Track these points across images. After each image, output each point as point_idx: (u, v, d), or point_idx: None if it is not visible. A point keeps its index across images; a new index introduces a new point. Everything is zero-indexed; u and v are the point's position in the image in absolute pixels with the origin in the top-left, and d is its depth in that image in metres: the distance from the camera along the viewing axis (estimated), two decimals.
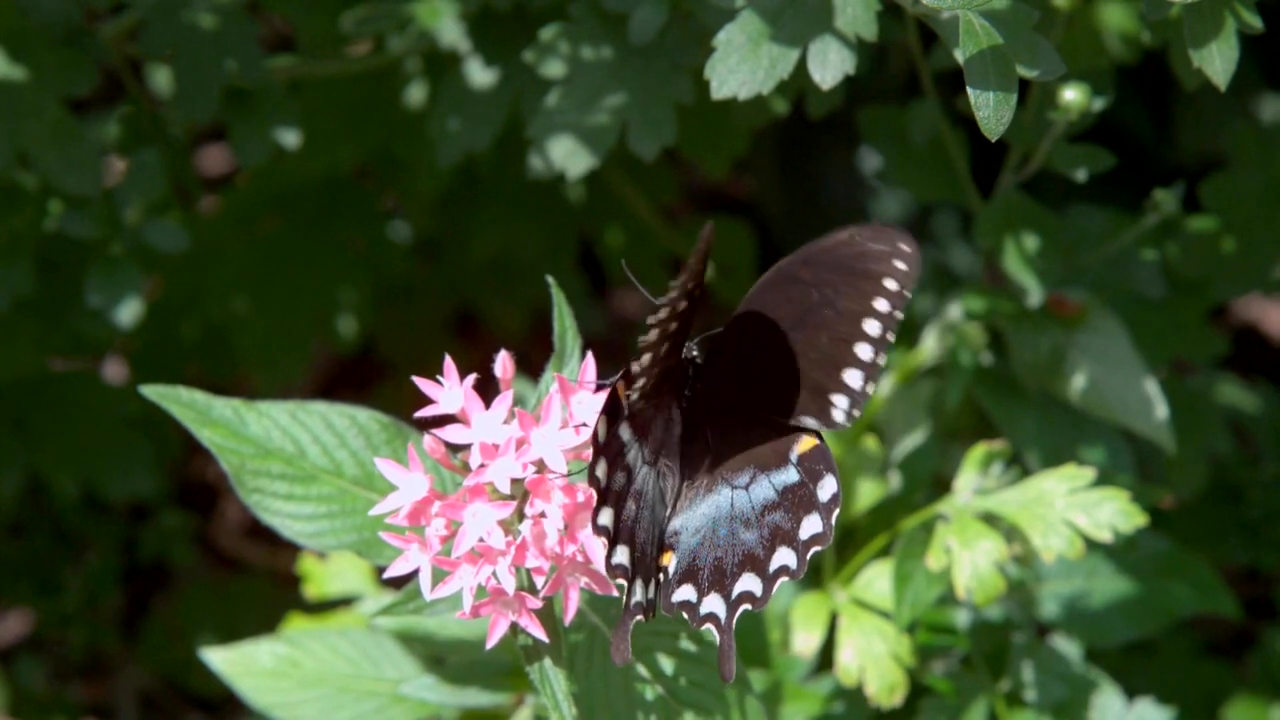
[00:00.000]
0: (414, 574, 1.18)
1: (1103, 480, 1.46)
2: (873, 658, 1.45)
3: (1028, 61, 1.25)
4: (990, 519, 1.44)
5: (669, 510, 1.18)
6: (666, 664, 1.28)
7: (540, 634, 1.17)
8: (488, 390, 1.18)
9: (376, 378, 2.30)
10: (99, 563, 2.10)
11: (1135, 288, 1.65)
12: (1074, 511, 1.41)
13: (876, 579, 1.50)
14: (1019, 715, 1.54)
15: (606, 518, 1.14)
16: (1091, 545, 1.56)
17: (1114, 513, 1.41)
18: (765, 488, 1.18)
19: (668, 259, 2.04)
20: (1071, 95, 1.47)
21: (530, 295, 2.11)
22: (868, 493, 1.54)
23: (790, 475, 1.18)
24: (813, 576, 1.59)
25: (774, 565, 1.17)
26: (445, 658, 1.42)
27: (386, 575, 1.18)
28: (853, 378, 1.19)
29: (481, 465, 1.16)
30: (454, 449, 1.19)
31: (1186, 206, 1.63)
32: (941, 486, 1.57)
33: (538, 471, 1.16)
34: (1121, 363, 1.59)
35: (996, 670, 1.55)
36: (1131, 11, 1.73)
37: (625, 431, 1.16)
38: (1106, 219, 1.64)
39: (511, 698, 1.38)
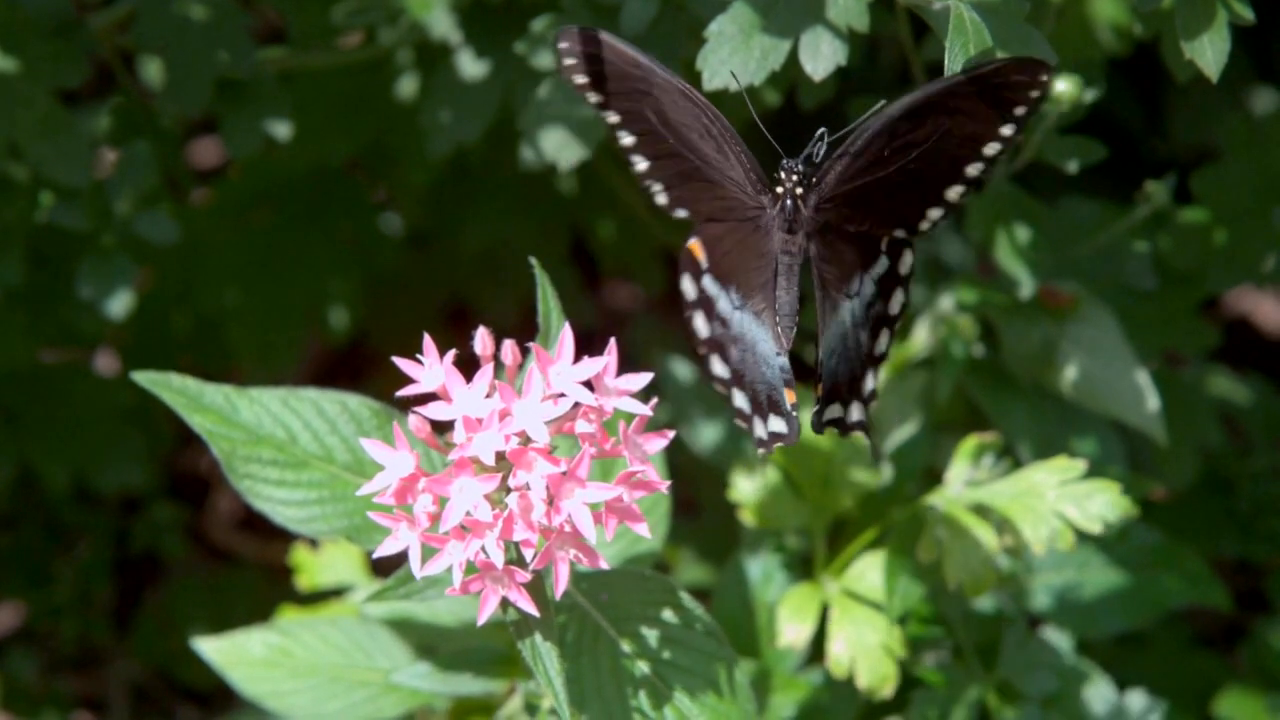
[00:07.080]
0: (405, 560, 1.18)
1: (1094, 472, 1.47)
2: (864, 649, 1.45)
3: (1019, 53, 1.25)
4: (981, 511, 1.44)
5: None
6: (651, 640, 1.28)
7: (530, 607, 1.17)
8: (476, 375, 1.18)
9: (368, 369, 2.29)
10: (90, 555, 2.10)
11: (1127, 280, 1.65)
12: (1065, 503, 1.41)
13: (868, 570, 1.50)
14: (1010, 707, 1.54)
15: (720, 368, 1.25)
16: (1083, 537, 1.56)
17: (1105, 504, 1.41)
18: (868, 285, 1.28)
19: (660, 251, 2.04)
20: (1063, 87, 1.47)
21: (521, 287, 2.11)
22: (859, 484, 1.54)
23: (882, 264, 1.28)
24: (803, 568, 1.59)
25: (878, 350, 1.29)
26: (437, 646, 1.42)
27: (376, 554, 1.19)
28: (954, 193, 1.28)
29: (466, 439, 1.16)
30: (440, 431, 1.20)
31: (1178, 198, 1.63)
32: (933, 478, 1.58)
33: (522, 444, 1.16)
34: (1113, 355, 1.59)
35: (988, 662, 1.56)
36: (1123, 3, 1.73)
37: (711, 285, 1.26)
38: (1098, 211, 1.64)
39: (503, 686, 1.38)
